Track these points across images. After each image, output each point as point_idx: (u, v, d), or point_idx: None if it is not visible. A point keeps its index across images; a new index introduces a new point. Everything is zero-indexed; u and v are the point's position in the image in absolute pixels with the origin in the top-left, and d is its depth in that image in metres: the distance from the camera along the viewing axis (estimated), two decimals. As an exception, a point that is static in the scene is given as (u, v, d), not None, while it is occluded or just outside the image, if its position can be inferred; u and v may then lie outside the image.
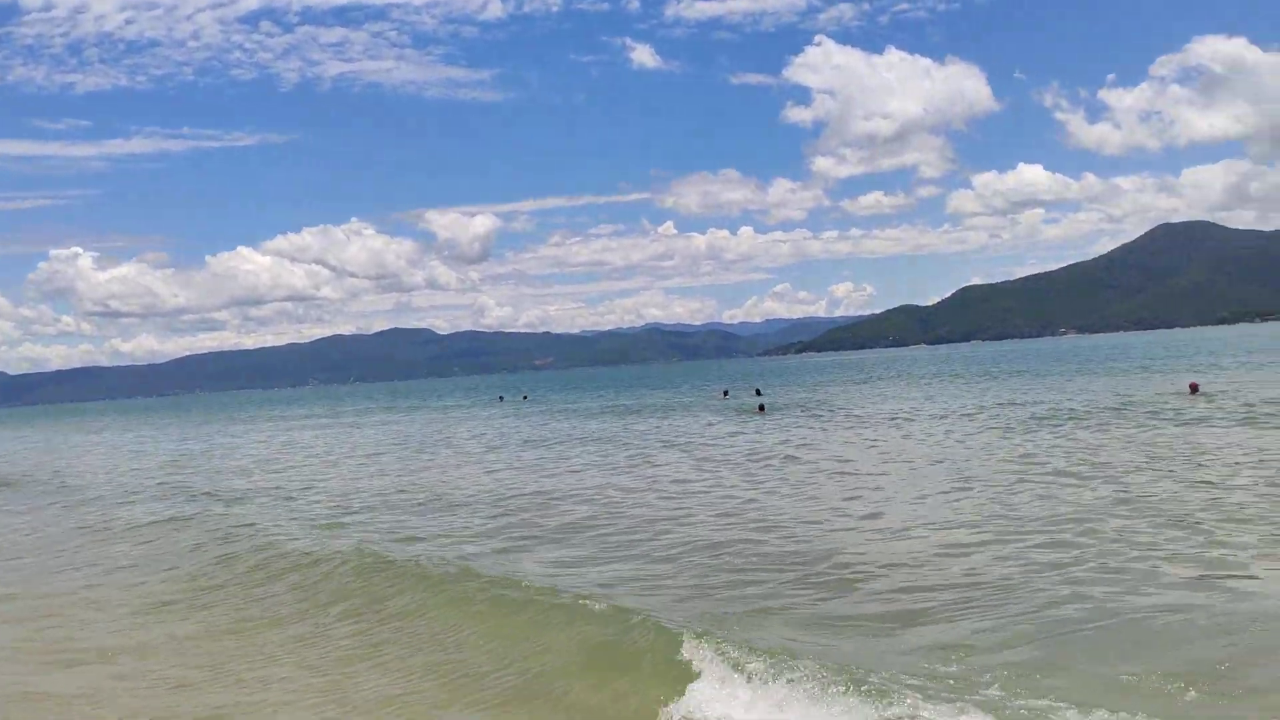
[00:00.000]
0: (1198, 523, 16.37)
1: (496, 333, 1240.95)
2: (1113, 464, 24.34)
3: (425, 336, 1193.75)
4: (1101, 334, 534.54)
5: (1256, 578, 12.89)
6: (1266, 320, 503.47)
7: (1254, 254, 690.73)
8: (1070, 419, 37.75)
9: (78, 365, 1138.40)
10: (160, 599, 17.74)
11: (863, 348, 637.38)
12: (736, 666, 10.13)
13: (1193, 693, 9.10)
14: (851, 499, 22.09)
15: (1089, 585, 13.05)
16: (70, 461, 58.49)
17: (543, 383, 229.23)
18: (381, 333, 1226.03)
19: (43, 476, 46.96)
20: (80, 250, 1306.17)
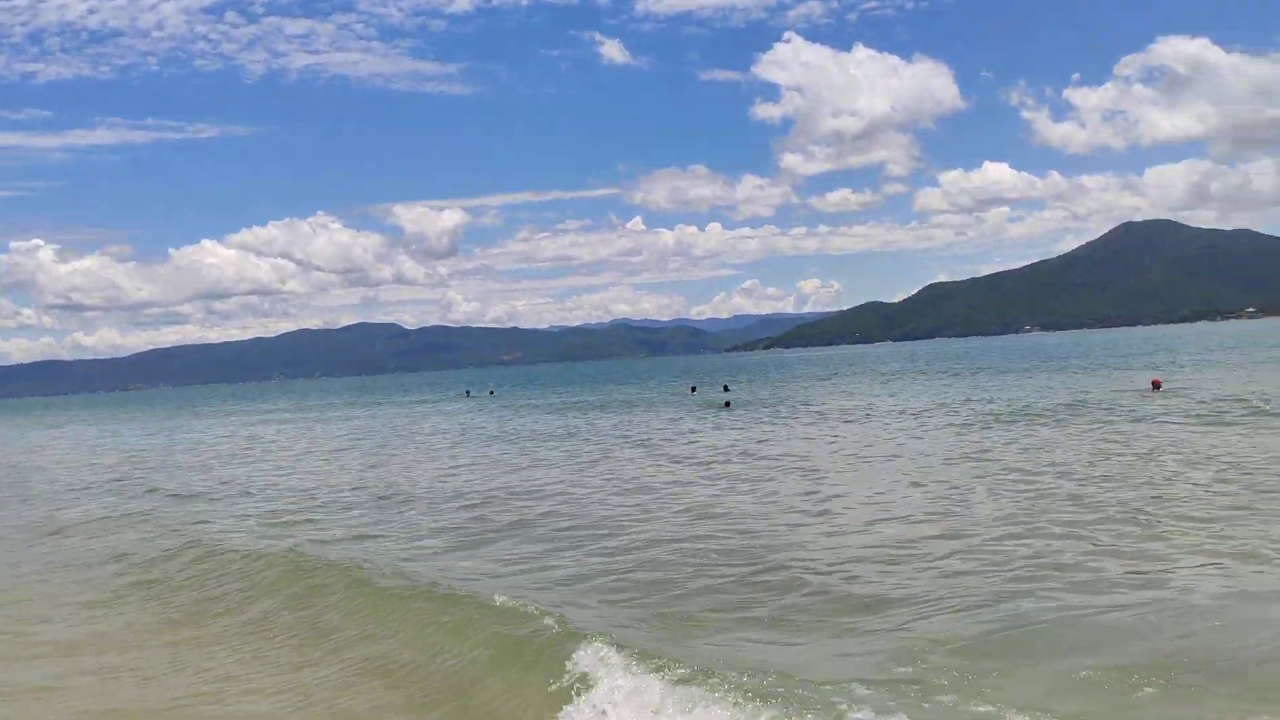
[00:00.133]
0: (1153, 520, 16.50)
1: (464, 328, 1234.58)
2: (1071, 461, 24.55)
3: (392, 331, 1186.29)
4: (1065, 331, 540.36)
5: (1208, 574, 13.01)
6: (1227, 318, 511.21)
7: (1215, 253, 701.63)
8: (1030, 416, 38.10)
9: (39, 359, 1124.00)
10: (113, 593, 17.60)
11: (830, 344, 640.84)
12: (651, 670, 9.92)
13: (1148, 688, 9.17)
14: (805, 497, 22.07)
15: (1042, 583, 13.08)
16: (29, 457, 57.67)
17: (510, 378, 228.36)
18: (348, 327, 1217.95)
19: (-2, 473, 46.30)
20: (41, 242, 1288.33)
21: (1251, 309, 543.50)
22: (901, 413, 44.92)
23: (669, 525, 19.68)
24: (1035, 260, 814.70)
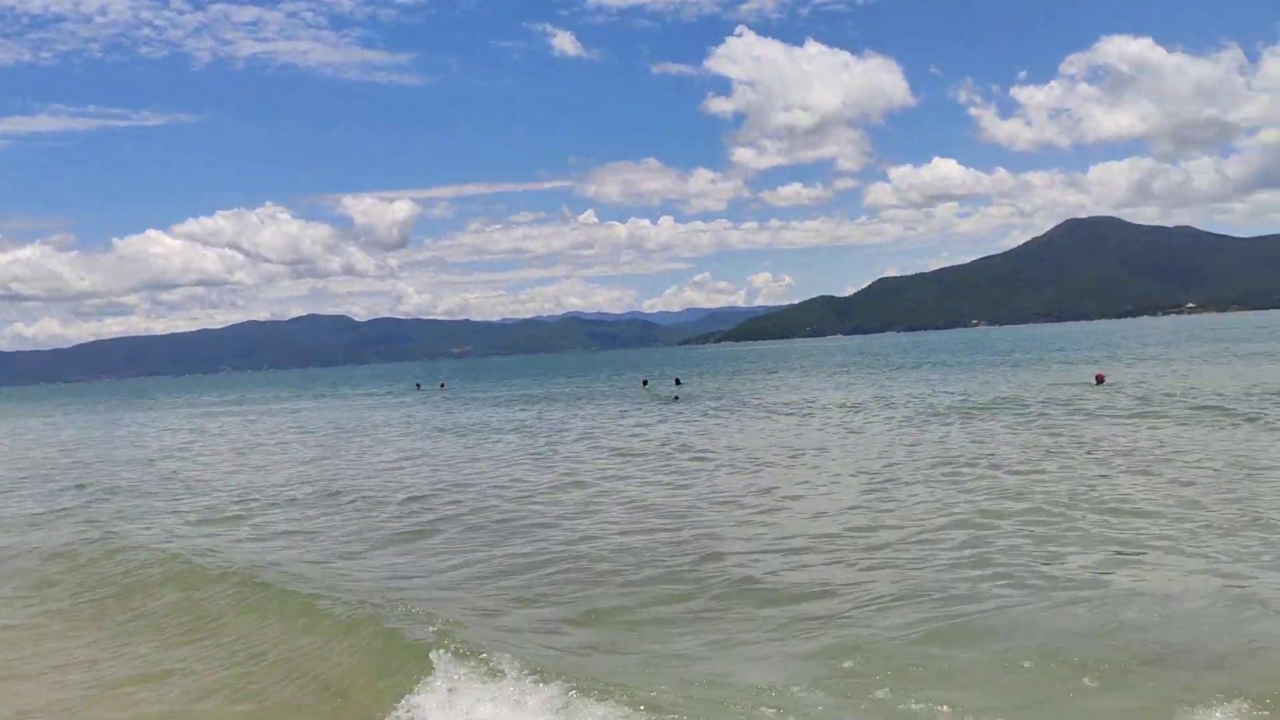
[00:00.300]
0: (1089, 513, 16.60)
1: (415, 320, 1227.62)
2: (1011, 455, 24.72)
3: (342, 323, 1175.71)
4: (1012, 325, 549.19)
5: (1143, 566, 13.09)
6: (1168, 313, 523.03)
7: (1156, 249, 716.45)
8: (973, 410, 38.42)
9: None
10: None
11: (781, 337, 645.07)
12: (525, 675, 9.56)
13: (1086, 679, 9.17)
14: (742, 491, 21.93)
15: (980, 576, 13.07)
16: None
17: (461, 371, 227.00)
18: (297, 319, 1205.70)
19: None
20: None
21: (1191, 304, 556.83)
22: (844, 407, 45.15)
23: (601, 520, 19.45)
24: (983, 256, 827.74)
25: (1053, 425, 30.76)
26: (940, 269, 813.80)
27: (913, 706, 8.78)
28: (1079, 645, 10.07)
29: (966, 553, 14.54)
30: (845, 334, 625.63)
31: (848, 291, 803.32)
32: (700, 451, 30.27)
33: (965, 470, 22.62)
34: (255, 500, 25.56)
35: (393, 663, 10.70)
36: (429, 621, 11.88)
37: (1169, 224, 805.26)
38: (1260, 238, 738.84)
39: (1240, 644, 9.87)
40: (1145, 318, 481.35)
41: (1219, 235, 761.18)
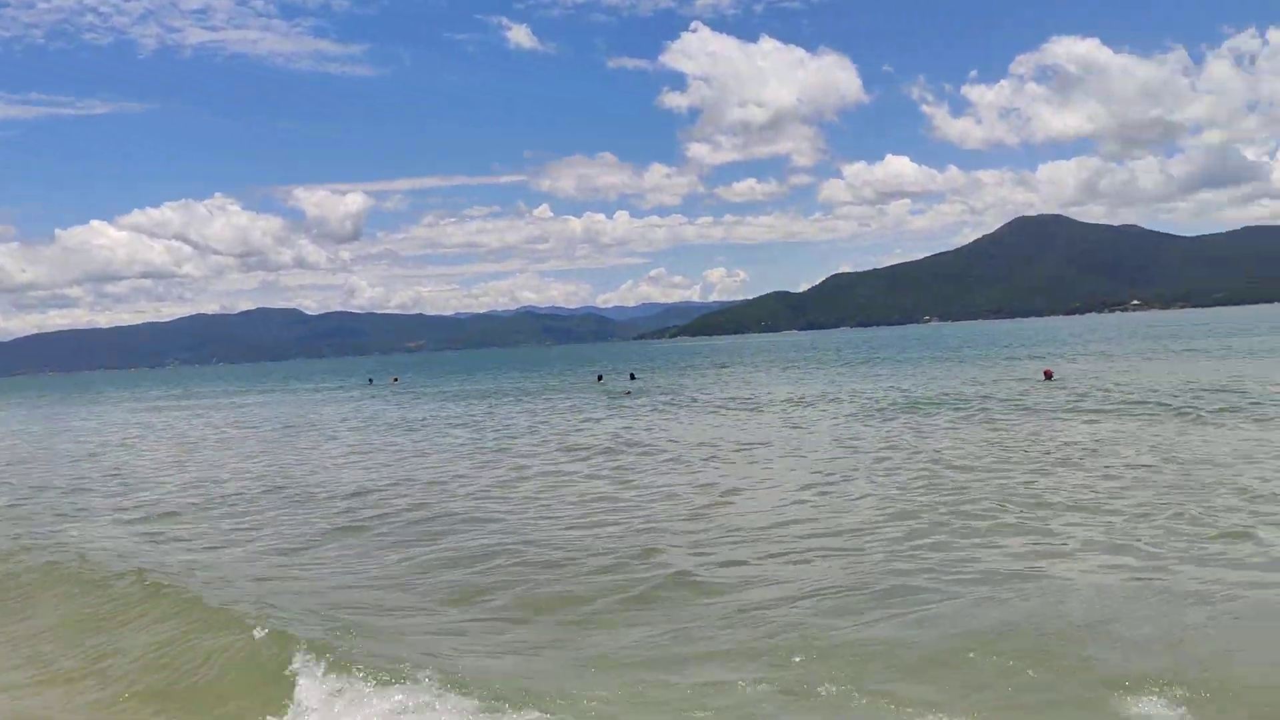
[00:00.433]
0: (1032, 507, 16.83)
1: (368, 314, 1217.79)
2: (956, 450, 25.00)
3: (294, 317, 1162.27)
4: (963, 322, 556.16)
5: (1085, 560, 13.29)
6: (1114, 311, 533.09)
7: (1102, 247, 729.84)
8: (921, 405, 38.89)
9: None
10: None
11: (736, 332, 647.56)
12: (427, 683, 9.29)
13: (1030, 672, 9.30)
14: (685, 487, 21.88)
15: (922, 573, 13.16)
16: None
17: (415, 365, 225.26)
18: (247, 312, 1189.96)
19: None
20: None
21: (1136, 302, 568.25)
22: (791, 402, 45.47)
23: (543, 516, 19.31)
24: (935, 252, 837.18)
25: (996, 420, 31.22)
26: (893, 265, 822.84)
27: (858, 699, 8.86)
28: (1018, 636, 10.23)
29: (907, 546, 14.67)
30: (799, 329, 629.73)
31: (802, 287, 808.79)
32: (647, 446, 30.31)
33: (908, 465, 22.84)
34: (191, 498, 25.00)
35: (273, 667, 10.37)
36: (330, 624, 11.71)
37: (1115, 223, 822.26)
38: (1203, 237, 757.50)
39: (1168, 633, 10.08)
40: (1092, 314, 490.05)
41: (1163, 234, 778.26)
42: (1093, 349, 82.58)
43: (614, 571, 14.40)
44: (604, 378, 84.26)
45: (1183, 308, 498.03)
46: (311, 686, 9.63)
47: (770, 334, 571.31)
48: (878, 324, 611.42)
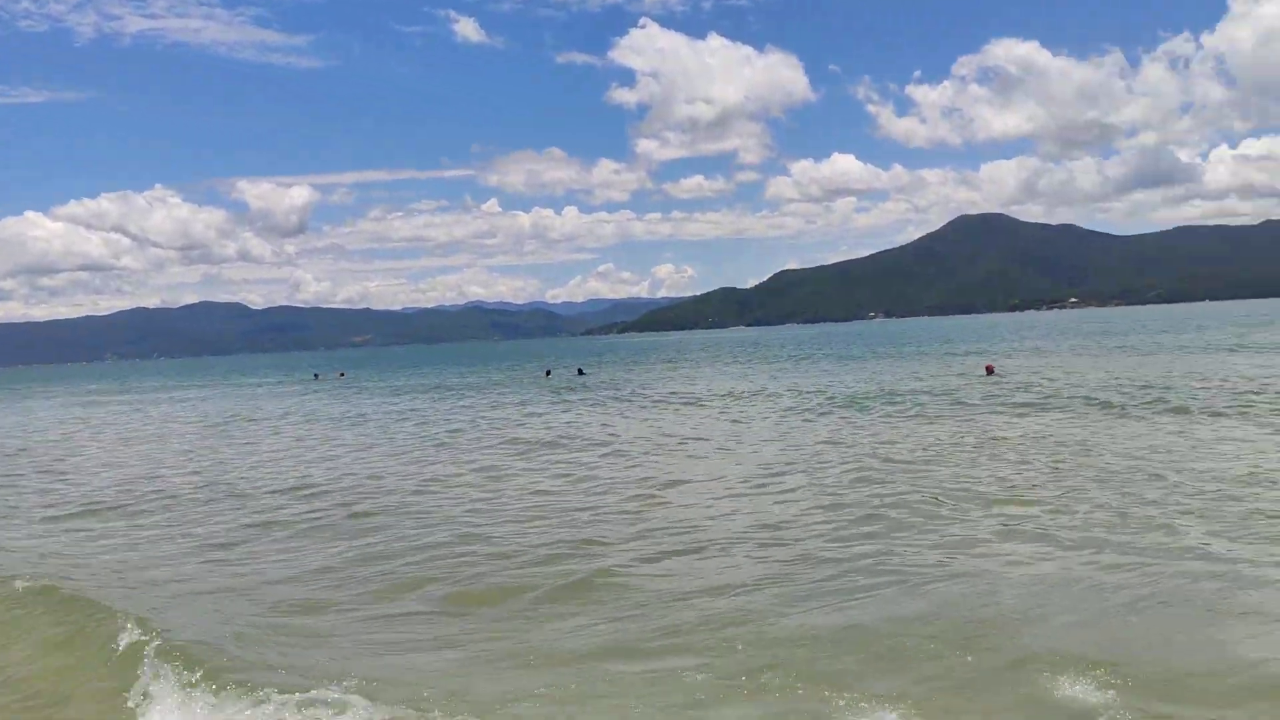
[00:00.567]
0: (966, 501, 17.17)
1: (314, 308, 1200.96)
2: (899, 444, 25.38)
3: (237, 311, 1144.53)
4: (907, 318, 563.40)
5: (1016, 551, 13.60)
6: (1052, 308, 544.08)
7: (1042, 246, 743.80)
8: (861, 400, 39.31)
9: None
10: None
11: (684, 328, 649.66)
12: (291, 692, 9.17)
13: (968, 656, 9.65)
14: (621, 483, 21.84)
15: (861, 565, 13.41)
16: None
17: (361, 360, 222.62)
18: (189, 306, 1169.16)
19: None
20: None
21: (1074, 299, 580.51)
22: (733, 397, 45.78)
23: (474, 511, 19.14)
24: (880, 250, 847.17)
25: (935, 415, 31.73)
26: (839, 262, 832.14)
27: (799, 687, 9.10)
28: (951, 623, 10.60)
29: (843, 538, 14.92)
30: (747, 325, 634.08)
31: (750, 283, 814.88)
32: (591, 440, 30.40)
33: (845, 459, 23.13)
34: (123, 495, 24.36)
35: (130, 681, 10.14)
36: (231, 629, 11.59)
37: (1054, 221, 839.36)
38: (1137, 236, 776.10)
39: (1093, 619, 10.52)
40: (1032, 311, 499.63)
41: (1100, 233, 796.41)
42: (1031, 345, 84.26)
43: (551, 564, 14.43)
44: (552, 373, 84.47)
45: (1118, 305, 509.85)
46: (170, 702, 9.40)
47: (718, 330, 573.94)
48: (824, 320, 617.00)
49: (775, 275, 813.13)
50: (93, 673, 10.84)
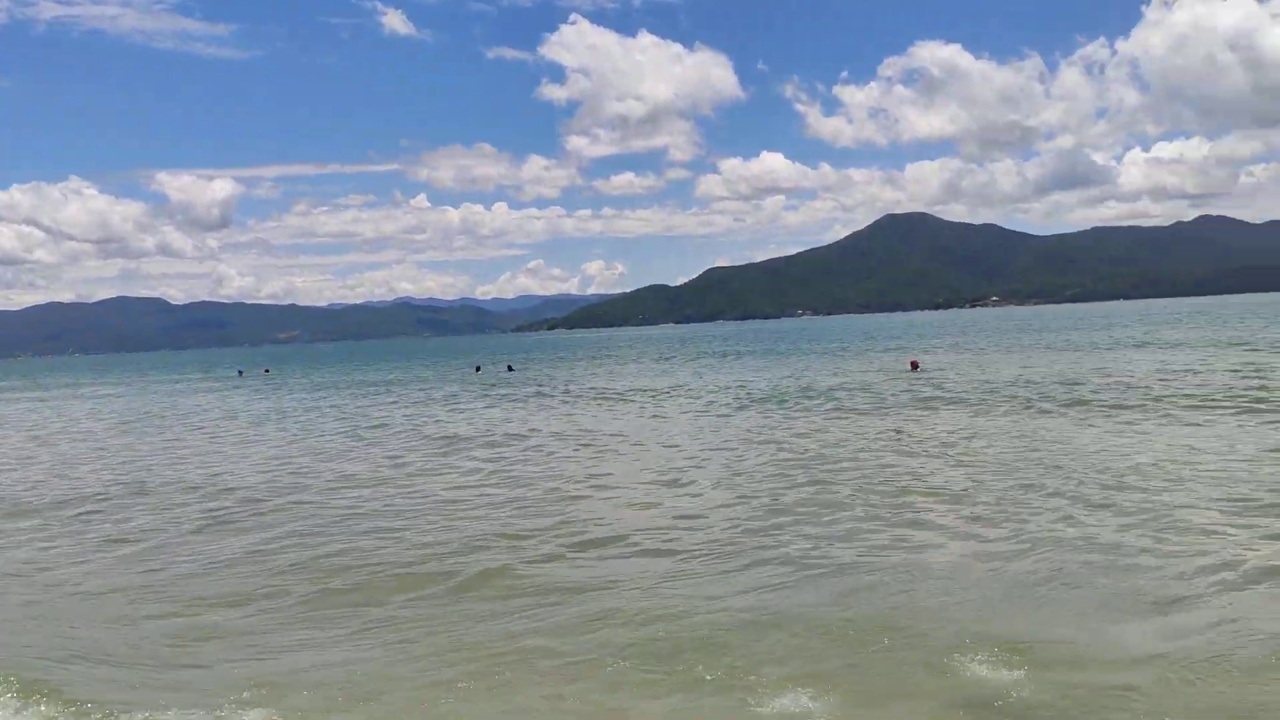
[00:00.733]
0: (888, 492, 17.61)
1: (237, 304, 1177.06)
2: (820, 438, 25.90)
3: (157, 306, 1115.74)
4: (835, 316, 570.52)
5: (932, 541, 14.04)
6: (974, 306, 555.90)
7: (964, 245, 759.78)
8: (790, 396, 39.91)
9: None
10: None
11: (614, 325, 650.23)
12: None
13: (883, 639, 10.06)
14: (539, 478, 21.96)
15: (778, 556, 13.70)
16: None
17: (287, 357, 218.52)
18: (106, 301, 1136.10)
19: None
20: None
21: (995, 298, 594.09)
22: (657, 392, 46.22)
23: (391, 509, 18.98)
24: (807, 247, 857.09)
25: (857, 410, 32.32)
26: (768, 260, 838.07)
27: (716, 672, 9.37)
28: (868, 609, 11.03)
29: (760, 530, 15.20)
30: (677, 323, 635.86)
31: (679, 281, 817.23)
32: (510, 436, 30.42)
33: (765, 454, 23.49)
34: (25, 495, 23.70)
35: None
36: (81, 641, 11.42)
37: (976, 221, 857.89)
38: (1054, 236, 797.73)
39: (1004, 603, 11.05)
40: (955, 309, 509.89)
41: (1020, 233, 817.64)
42: (951, 342, 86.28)
43: (467, 558, 14.46)
44: (482, 368, 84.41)
45: (1036, 304, 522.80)
46: None
47: (648, 327, 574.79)
48: (753, 317, 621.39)
49: (705, 273, 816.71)
50: None
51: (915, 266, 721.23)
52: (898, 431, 26.28)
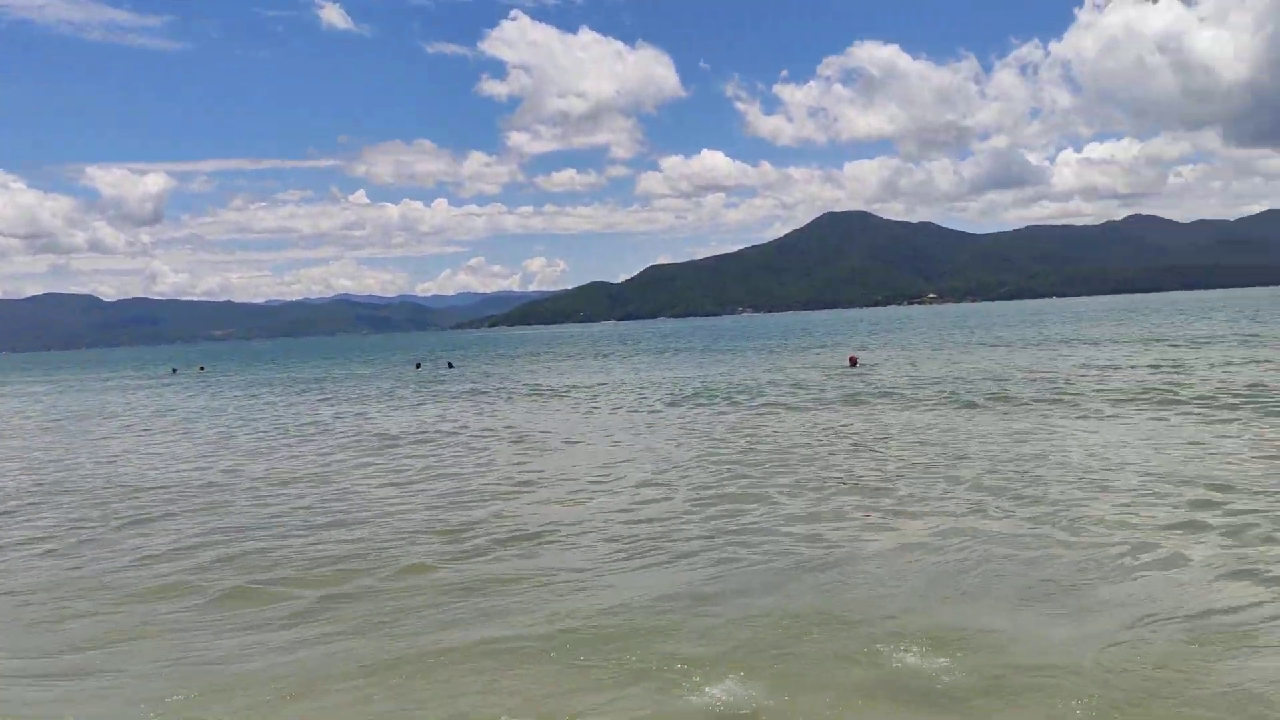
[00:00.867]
0: (822, 487, 17.85)
1: (171, 300, 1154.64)
2: (755, 434, 26.15)
3: (88, 303, 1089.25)
4: (776, 313, 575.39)
5: (867, 534, 14.31)
6: (913, 303, 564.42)
7: (902, 243, 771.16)
8: (726, 392, 40.24)
9: None
10: None
11: (555, 322, 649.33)
12: None
13: (815, 630, 10.28)
14: (472, 475, 21.81)
15: (715, 549, 13.90)
16: None
17: (224, 354, 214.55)
18: (35, 298, 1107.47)
19: None
20: None
21: (932, 295, 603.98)
22: (594, 389, 46.35)
23: (310, 510, 18.61)
24: (748, 245, 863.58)
25: (794, 407, 32.65)
26: (709, 257, 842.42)
27: (649, 665, 9.48)
28: (800, 603, 11.20)
29: (691, 526, 15.36)
30: (618, 319, 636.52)
31: (621, 278, 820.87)
32: (445, 434, 30.24)
33: (699, 451, 23.60)
34: None
35: None
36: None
37: (914, 219, 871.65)
38: (989, 234, 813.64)
39: (932, 595, 11.29)
40: (893, 306, 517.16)
41: (956, 231, 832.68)
42: (886, 339, 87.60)
43: (398, 557, 14.34)
44: (422, 365, 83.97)
45: (972, 301, 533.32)
46: None
47: (589, 324, 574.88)
48: (694, 315, 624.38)
49: (646, 270, 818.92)
50: None
51: (854, 264, 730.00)
52: (825, 426, 26.67)
